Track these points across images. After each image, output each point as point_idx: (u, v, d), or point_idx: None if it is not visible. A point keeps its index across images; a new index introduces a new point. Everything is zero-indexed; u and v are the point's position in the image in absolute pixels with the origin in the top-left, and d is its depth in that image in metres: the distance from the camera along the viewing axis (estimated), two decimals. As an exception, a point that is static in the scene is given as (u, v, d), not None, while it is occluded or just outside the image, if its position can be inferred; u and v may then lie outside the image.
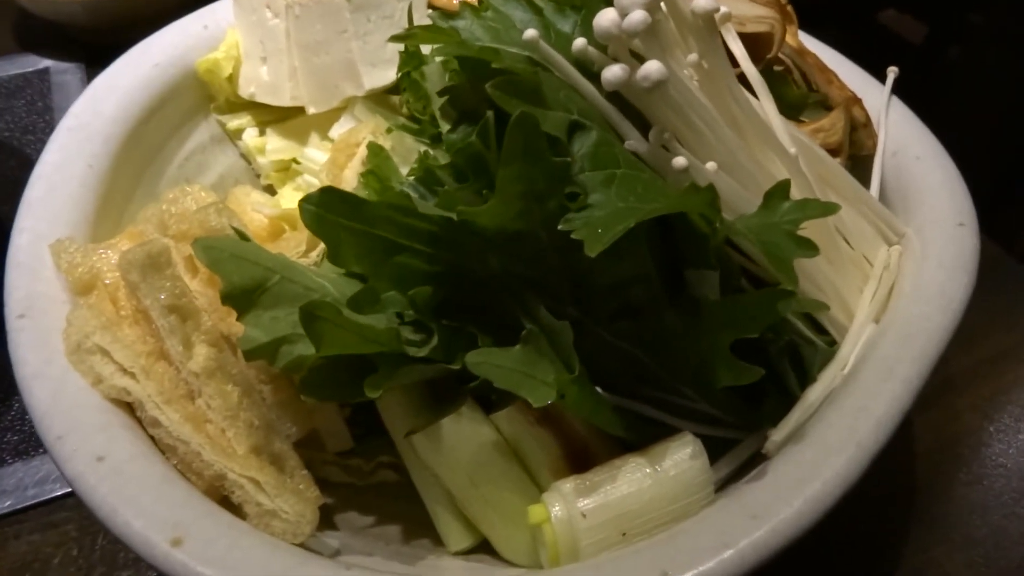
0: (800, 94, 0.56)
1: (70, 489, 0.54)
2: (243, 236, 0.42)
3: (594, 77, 0.42)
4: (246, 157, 0.64)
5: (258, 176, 0.64)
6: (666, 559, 0.34)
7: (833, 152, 0.53)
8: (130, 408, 0.40)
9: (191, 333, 0.39)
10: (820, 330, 0.46)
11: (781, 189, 0.38)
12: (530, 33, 0.39)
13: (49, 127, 0.82)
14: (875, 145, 0.56)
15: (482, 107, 0.41)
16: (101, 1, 0.84)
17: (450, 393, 0.44)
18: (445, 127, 0.47)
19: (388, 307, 0.40)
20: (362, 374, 0.39)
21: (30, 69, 0.89)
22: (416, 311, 0.37)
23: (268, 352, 0.39)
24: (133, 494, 0.35)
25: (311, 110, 0.59)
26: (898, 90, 0.59)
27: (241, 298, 0.38)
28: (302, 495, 0.38)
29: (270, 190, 0.64)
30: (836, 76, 0.56)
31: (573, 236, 0.34)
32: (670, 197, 0.38)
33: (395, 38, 0.42)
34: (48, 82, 0.87)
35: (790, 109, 0.56)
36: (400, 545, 0.44)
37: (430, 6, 0.58)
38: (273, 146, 0.62)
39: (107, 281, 0.43)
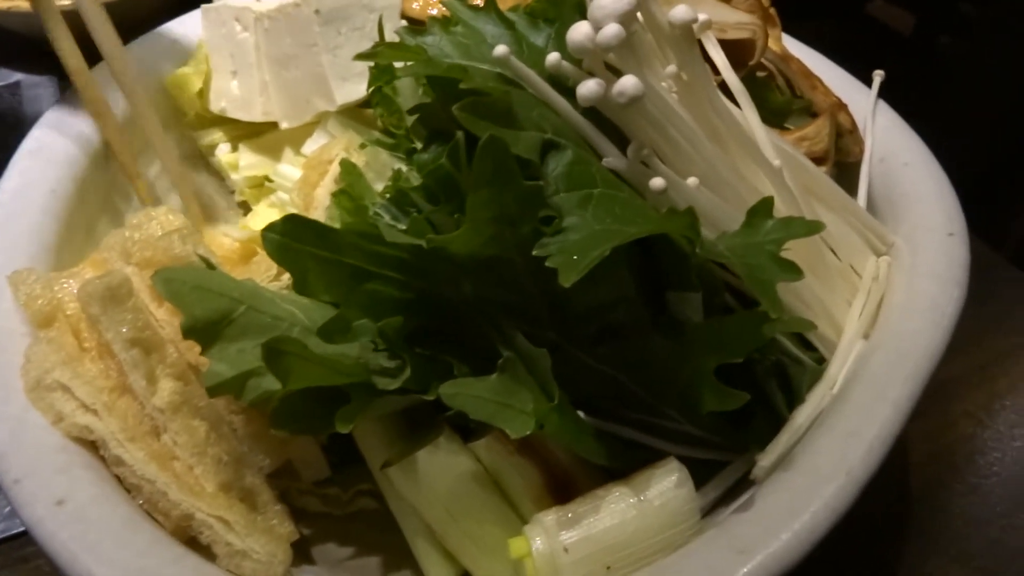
0: (784, 100, 0.54)
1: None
2: (209, 264, 0.40)
3: (569, 92, 0.40)
4: (219, 173, 0.62)
5: (232, 192, 0.63)
6: (652, 597, 0.33)
7: (819, 160, 0.52)
8: (94, 447, 0.39)
9: (155, 366, 0.38)
10: (808, 346, 0.45)
11: (764, 207, 0.37)
12: (501, 49, 0.37)
13: (20, 142, 0.80)
14: (862, 152, 0.54)
15: (453, 126, 0.40)
16: (67, 14, 0.82)
17: (428, 420, 0.43)
18: (418, 145, 0.46)
19: (360, 335, 0.39)
20: (334, 404, 0.38)
21: (1, 83, 0.87)
22: (387, 342, 0.36)
23: (235, 386, 0.37)
24: (94, 540, 0.34)
25: (284, 125, 0.58)
26: (888, 83, 0.57)
27: (205, 331, 0.37)
28: (274, 533, 0.37)
29: (244, 206, 0.62)
30: (821, 81, 0.55)
31: (547, 264, 0.33)
32: (649, 219, 0.36)
33: (360, 56, 0.40)
34: (20, 96, 0.85)
35: (774, 116, 0.55)
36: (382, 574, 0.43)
37: (403, 16, 0.56)
38: (246, 162, 0.60)
39: (69, 312, 0.41)
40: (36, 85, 0.87)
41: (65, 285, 0.42)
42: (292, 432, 0.39)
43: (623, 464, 0.40)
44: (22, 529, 0.52)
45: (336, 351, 0.35)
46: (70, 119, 0.52)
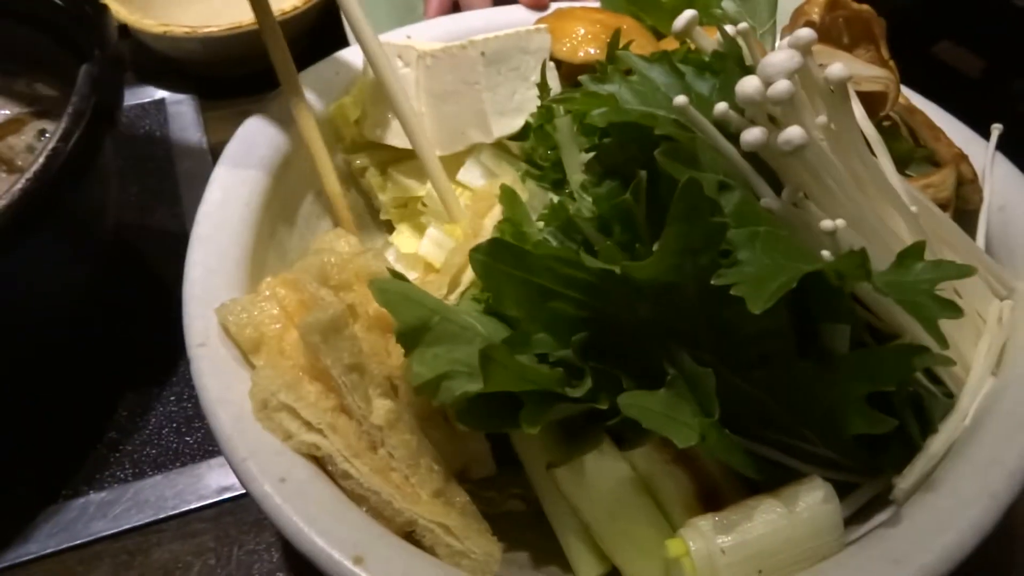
0: (907, 148, 0.58)
1: (206, 502, 0.58)
2: (402, 279, 0.45)
3: (731, 138, 0.45)
4: (367, 194, 0.68)
5: (378, 211, 0.68)
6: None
7: (942, 207, 0.55)
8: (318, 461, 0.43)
9: (367, 386, 0.43)
10: (935, 381, 0.48)
11: (916, 250, 0.41)
12: (681, 99, 0.42)
13: (167, 155, 0.87)
14: (981, 200, 0.57)
15: (628, 165, 0.45)
16: (215, 37, 0.90)
17: (581, 429, 0.47)
18: (580, 180, 0.50)
19: (536, 348, 0.43)
20: (508, 409, 0.42)
21: (147, 100, 0.94)
22: (575, 354, 0.40)
23: (431, 387, 0.42)
24: (315, 513, 0.39)
25: (436, 153, 0.63)
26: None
27: (410, 336, 0.41)
28: (486, 535, 0.41)
29: (388, 226, 0.68)
30: (943, 133, 0.58)
31: (733, 292, 0.37)
32: (812, 257, 0.40)
33: (550, 100, 0.45)
34: (164, 112, 0.93)
35: (897, 163, 0.58)
36: (531, 571, 0.47)
37: (552, 58, 0.62)
38: (393, 185, 0.66)
39: (270, 335, 0.46)
40: (179, 102, 0.94)
41: (264, 307, 0.47)
42: (477, 429, 0.44)
43: (767, 480, 0.44)
44: (188, 507, 0.58)
45: (529, 363, 0.40)
46: (254, 138, 0.58)
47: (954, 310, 0.37)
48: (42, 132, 0.67)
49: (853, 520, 0.44)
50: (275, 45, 0.58)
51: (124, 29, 0.90)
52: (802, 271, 0.37)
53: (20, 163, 0.66)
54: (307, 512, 0.39)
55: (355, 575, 0.37)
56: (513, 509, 0.50)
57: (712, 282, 0.39)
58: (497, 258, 0.40)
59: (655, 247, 0.40)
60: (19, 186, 0.49)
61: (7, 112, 0.69)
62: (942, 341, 0.36)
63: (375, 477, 0.41)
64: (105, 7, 0.59)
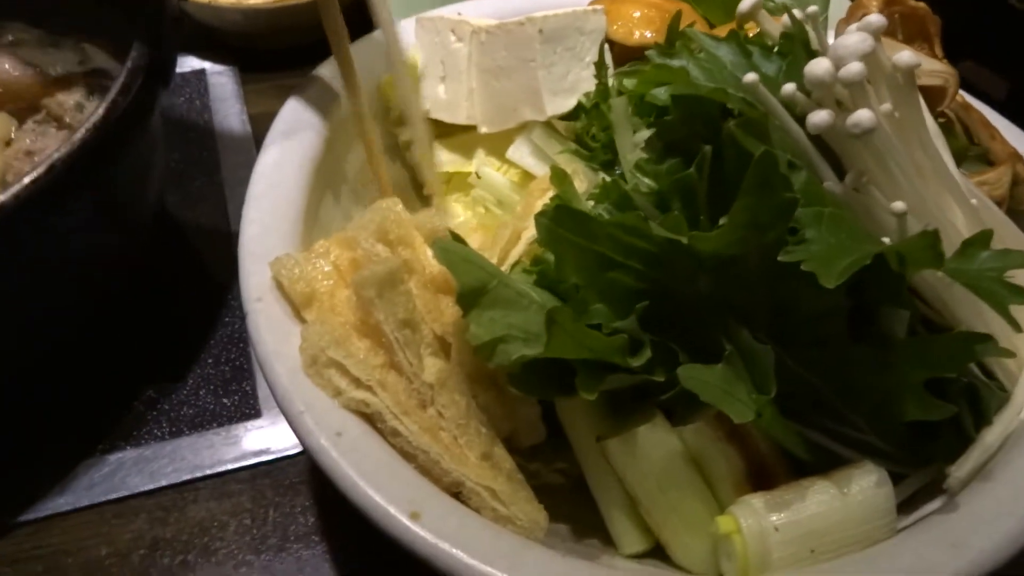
0: (962, 146, 0.58)
1: (243, 464, 0.59)
2: (461, 240, 0.45)
3: (797, 120, 0.45)
4: (411, 168, 0.68)
5: (421, 186, 0.68)
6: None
7: (996, 204, 0.55)
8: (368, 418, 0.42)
9: (419, 344, 0.42)
10: (986, 374, 0.48)
11: (983, 238, 0.40)
12: (751, 77, 0.42)
13: (207, 125, 0.87)
14: (1033, 201, 0.57)
15: (690, 141, 0.45)
16: (259, 9, 0.90)
17: (623, 404, 0.47)
18: (634, 160, 0.50)
19: (592, 318, 0.43)
20: (562, 376, 0.42)
21: (187, 70, 0.95)
22: (638, 325, 0.40)
23: (487, 350, 0.42)
24: (370, 469, 0.39)
25: (483, 129, 0.63)
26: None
27: (469, 298, 0.41)
28: (533, 501, 0.41)
29: (429, 200, 0.68)
30: (999, 132, 0.58)
31: (804, 267, 0.37)
32: (874, 240, 0.40)
33: (620, 71, 0.45)
34: (204, 83, 0.93)
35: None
36: (572, 543, 0.47)
37: (607, 40, 0.62)
38: (440, 159, 0.66)
39: (322, 291, 0.46)
40: (219, 73, 0.95)
41: (316, 264, 0.47)
42: (530, 394, 0.43)
43: (818, 463, 0.44)
44: (224, 468, 0.58)
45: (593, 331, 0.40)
46: (308, 104, 0.58)
47: (1022, 295, 0.37)
48: (91, 90, 0.67)
49: (902, 508, 0.44)
50: (328, 12, 0.58)
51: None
52: (872, 251, 0.37)
53: (69, 120, 0.66)
54: (362, 467, 0.39)
55: (411, 530, 0.37)
56: (552, 482, 0.50)
57: (779, 258, 0.38)
58: (561, 224, 0.40)
59: (720, 222, 0.40)
60: (79, 135, 0.49)
61: (57, 70, 0.69)
62: (1015, 325, 0.36)
63: (424, 435, 0.41)
64: (165, -34, 0.59)
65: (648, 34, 0.60)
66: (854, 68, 0.41)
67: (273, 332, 0.44)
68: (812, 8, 0.46)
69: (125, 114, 0.52)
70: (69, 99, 0.67)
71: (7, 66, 0.67)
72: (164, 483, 0.56)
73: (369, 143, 0.62)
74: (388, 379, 0.42)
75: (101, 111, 0.51)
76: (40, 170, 0.46)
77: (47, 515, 0.54)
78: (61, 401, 0.60)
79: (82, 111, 0.66)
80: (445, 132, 0.67)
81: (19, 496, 0.55)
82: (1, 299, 0.51)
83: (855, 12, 0.61)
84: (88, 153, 0.49)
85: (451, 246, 0.42)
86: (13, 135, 0.63)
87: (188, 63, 0.96)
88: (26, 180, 0.46)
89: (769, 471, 0.44)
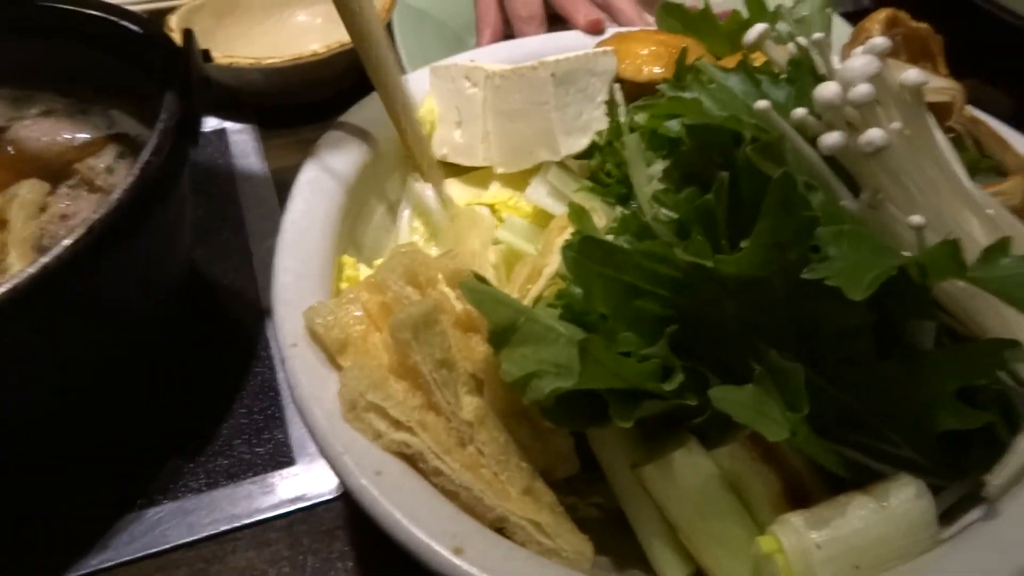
0: (973, 158, 0.58)
1: (279, 512, 0.59)
2: (484, 281, 0.47)
3: (810, 142, 0.46)
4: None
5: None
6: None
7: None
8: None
9: (456, 383, 0.43)
10: (1016, 381, 0.48)
11: (1002, 245, 0.41)
12: (762, 103, 0.43)
13: (230, 181, 0.90)
14: (1049, 210, 0.58)
15: (707, 170, 0.46)
16: (279, 69, 0.93)
17: (655, 431, 0.47)
18: (650, 192, 0.52)
19: (621, 347, 0.44)
20: (592, 407, 0.43)
21: (208, 129, 0.97)
22: (671, 351, 0.41)
23: (521, 386, 0.42)
24: (412, 506, 0.39)
25: (499, 170, 0.65)
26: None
27: (500, 336, 0.42)
28: (577, 533, 0.41)
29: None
30: (1010, 143, 0.59)
31: (829, 283, 0.37)
32: (895, 254, 0.41)
33: (635, 106, 0.47)
34: (225, 141, 0.96)
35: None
36: (616, 574, 0.47)
37: (617, 80, 0.63)
38: (455, 193, 0.67)
39: (355, 336, 0.46)
40: (239, 131, 0.97)
41: (348, 310, 0.48)
42: (564, 426, 0.44)
43: (854, 478, 0.44)
44: (261, 517, 0.59)
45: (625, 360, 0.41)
46: (332, 158, 0.60)
47: (1050, 300, 0.37)
48: (121, 153, 0.70)
49: (943, 520, 0.44)
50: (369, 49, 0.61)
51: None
52: (896, 263, 0.38)
53: (100, 183, 0.68)
54: (404, 504, 0.39)
55: (455, 566, 0.37)
56: (588, 516, 0.50)
57: (803, 275, 0.39)
58: (588, 255, 0.41)
59: (741, 245, 0.41)
60: (115, 196, 0.51)
61: (86, 135, 0.72)
62: (1044, 328, 0.37)
63: (466, 473, 0.41)
64: (191, 32, 0.62)
65: (657, 70, 0.62)
66: (863, 89, 0.42)
67: (310, 376, 0.45)
68: (817, 35, 0.48)
69: (159, 173, 0.54)
70: (99, 163, 0.69)
71: (40, 134, 0.70)
72: (203, 535, 0.57)
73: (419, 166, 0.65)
74: (428, 419, 0.43)
75: (136, 171, 0.52)
76: (80, 232, 0.48)
77: (89, 571, 0.55)
78: (99, 456, 0.61)
79: (113, 173, 0.68)
80: (460, 172, 0.69)
81: (61, 553, 0.56)
82: (40, 356, 0.53)
83: (859, 36, 0.63)
84: (125, 213, 0.51)
85: (477, 287, 0.43)
86: (47, 200, 0.66)
87: (208, 123, 0.99)
88: (67, 242, 0.48)
89: (806, 490, 0.45)
